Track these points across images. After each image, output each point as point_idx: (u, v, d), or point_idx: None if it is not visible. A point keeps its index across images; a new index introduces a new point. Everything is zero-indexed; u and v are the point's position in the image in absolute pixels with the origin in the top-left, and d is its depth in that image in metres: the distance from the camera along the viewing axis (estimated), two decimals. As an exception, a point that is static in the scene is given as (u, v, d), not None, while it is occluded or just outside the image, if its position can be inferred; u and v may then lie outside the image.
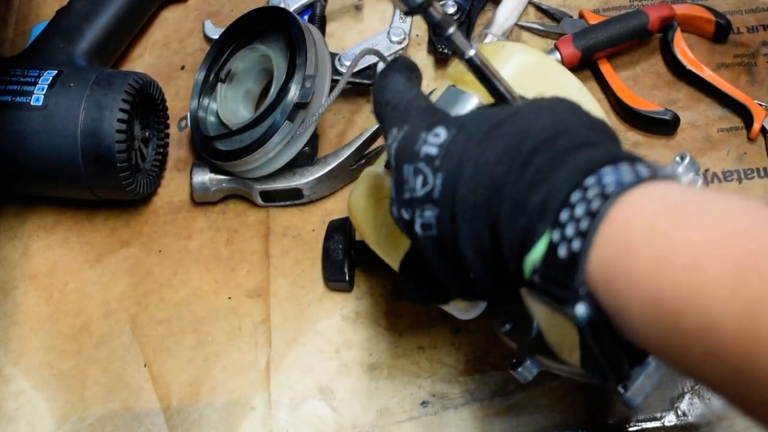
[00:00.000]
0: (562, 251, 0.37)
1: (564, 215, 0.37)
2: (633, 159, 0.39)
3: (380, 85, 0.49)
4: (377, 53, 0.70)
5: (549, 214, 0.38)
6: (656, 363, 0.47)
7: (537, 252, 0.38)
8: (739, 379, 0.31)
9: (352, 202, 0.62)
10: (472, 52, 0.48)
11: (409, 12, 0.48)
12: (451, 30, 0.48)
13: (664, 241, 0.34)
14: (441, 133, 0.43)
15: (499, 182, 0.40)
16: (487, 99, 0.52)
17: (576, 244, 0.36)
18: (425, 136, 0.44)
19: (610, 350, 0.37)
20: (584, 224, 0.36)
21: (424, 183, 0.43)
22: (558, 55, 0.75)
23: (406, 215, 0.44)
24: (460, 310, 0.60)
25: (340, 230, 0.69)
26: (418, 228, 0.44)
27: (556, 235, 0.37)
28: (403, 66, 0.51)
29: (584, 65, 0.77)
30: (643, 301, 0.34)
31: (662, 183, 0.37)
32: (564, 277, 0.37)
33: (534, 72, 0.57)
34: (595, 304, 0.36)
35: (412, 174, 0.43)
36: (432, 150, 0.43)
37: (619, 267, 0.35)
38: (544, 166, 0.39)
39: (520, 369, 0.53)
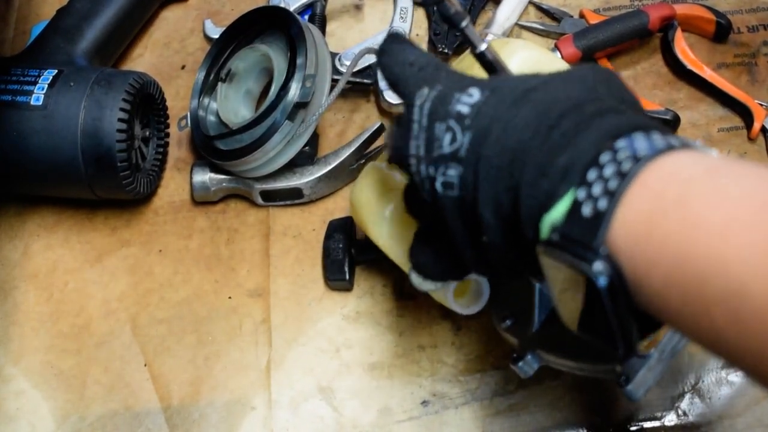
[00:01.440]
0: (587, 210, 0.37)
1: (592, 174, 0.37)
2: (663, 130, 0.39)
3: (397, 48, 0.49)
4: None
5: (574, 174, 0.38)
6: (658, 356, 0.47)
7: (559, 210, 0.38)
8: (763, 348, 0.31)
9: (355, 197, 0.62)
10: (484, 46, 0.49)
11: (424, 3, 0.48)
12: (465, 23, 0.49)
13: (697, 204, 0.34)
14: (474, 94, 0.44)
15: (524, 146, 0.40)
16: None
17: (602, 203, 0.36)
18: (458, 96, 0.44)
19: (623, 316, 0.37)
20: (613, 184, 0.36)
21: (453, 140, 0.43)
22: (558, 55, 0.76)
23: (431, 172, 0.44)
24: (461, 305, 0.60)
25: (340, 229, 0.69)
26: (439, 186, 0.44)
27: (581, 194, 0.37)
28: (408, 38, 0.51)
29: (585, 65, 0.77)
30: (669, 265, 0.34)
31: (694, 152, 0.37)
32: (586, 236, 0.36)
33: (537, 68, 0.57)
34: (614, 265, 0.36)
35: (443, 131, 0.44)
36: (464, 109, 0.43)
37: (648, 229, 0.35)
38: (569, 130, 0.39)
39: (521, 364, 0.53)
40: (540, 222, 0.39)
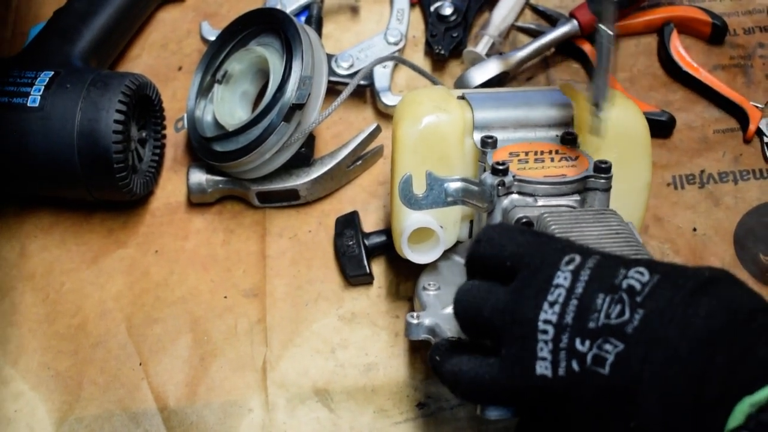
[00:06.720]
0: None
1: None
2: None
3: (500, 231, 0.48)
4: (399, 59, 0.72)
5: None
6: None
7: (761, 396, 0.37)
8: None
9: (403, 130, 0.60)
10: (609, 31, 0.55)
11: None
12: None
13: None
14: (645, 273, 0.43)
15: (713, 334, 0.40)
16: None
17: None
18: (625, 272, 0.43)
19: None
20: None
21: (621, 314, 0.42)
22: (576, 23, 0.76)
23: (577, 344, 0.42)
24: (415, 252, 0.61)
25: (348, 225, 0.69)
26: (589, 360, 0.42)
27: None
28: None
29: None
30: None
31: None
32: None
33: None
34: None
35: (608, 303, 0.42)
36: (636, 285, 0.42)
37: None
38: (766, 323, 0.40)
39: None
40: (733, 409, 0.38)
